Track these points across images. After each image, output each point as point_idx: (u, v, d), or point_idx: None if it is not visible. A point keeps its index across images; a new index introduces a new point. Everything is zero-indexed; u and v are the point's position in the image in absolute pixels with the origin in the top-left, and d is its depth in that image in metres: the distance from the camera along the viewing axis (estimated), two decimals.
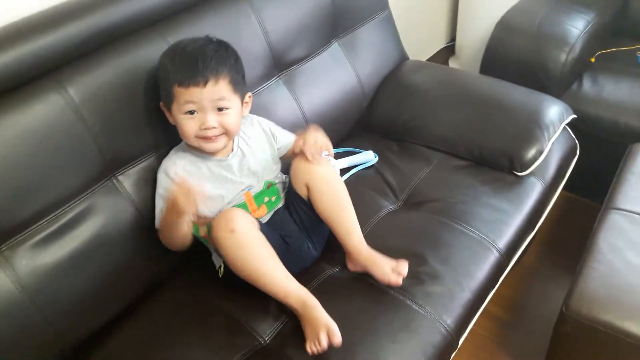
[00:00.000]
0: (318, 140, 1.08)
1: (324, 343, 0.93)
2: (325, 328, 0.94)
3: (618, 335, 1.04)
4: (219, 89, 1.01)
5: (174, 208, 0.96)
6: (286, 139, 1.19)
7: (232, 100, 1.04)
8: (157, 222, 1.07)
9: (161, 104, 1.07)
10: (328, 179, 1.10)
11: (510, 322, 1.51)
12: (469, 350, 1.39)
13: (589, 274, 1.12)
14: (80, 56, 1.04)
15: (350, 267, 1.11)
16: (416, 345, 1.02)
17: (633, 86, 1.62)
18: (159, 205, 1.07)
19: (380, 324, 1.03)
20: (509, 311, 1.53)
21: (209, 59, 1.00)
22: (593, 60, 1.76)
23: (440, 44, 2.55)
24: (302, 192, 1.11)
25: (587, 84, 1.66)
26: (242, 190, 1.10)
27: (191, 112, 1.02)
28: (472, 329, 1.15)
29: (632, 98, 1.58)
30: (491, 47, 1.72)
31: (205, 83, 1.00)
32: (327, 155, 1.13)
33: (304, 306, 0.98)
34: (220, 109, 1.03)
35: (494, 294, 1.23)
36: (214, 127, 1.03)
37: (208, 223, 1.05)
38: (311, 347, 0.95)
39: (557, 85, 1.60)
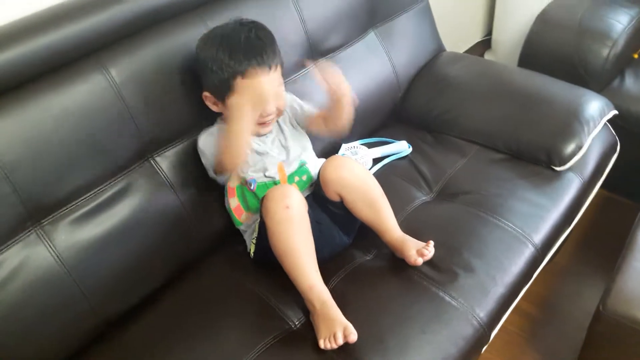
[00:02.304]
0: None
1: (340, 340, 0.92)
2: (341, 326, 0.94)
3: None
4: (277, 76, 1.05)
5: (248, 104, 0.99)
6: (309, 107, 1.20)
7: (282, 83, 1.06)
8: (214, 163, 1.09)
9: (205, 93, 1.08)
10: (360, 184, 1.08)
11: (542, 320, 1.48)
12: (498, 345, 1.37)
13: (628, 272, 1.09)
14: (122, 38, 1.05)
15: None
16: (447, 336, 1.00)
17: None
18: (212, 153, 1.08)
19: (411, 314, 1.02)
20: (541, 308, 1.50)
21: (267, 49, 1.02)
22: (636, 56, 1.71)
23: (476, 37, 2.51)
24: (334, 198, 1.10)
25: (629, 80, 1.62)
26: (275, 163, 1.12)
27: None
28: (502, 325, 1.14)
29: None
30: (530, 40, 1.69)
31: (271, 69, 1.02)
32: (357, 147, 1.12)
33: (323, 304, 0.97)
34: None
35: (527, 291, 1.21)
36: (273, 112, 1.06)
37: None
38: (325, 344, 0.94)
39: (598, 80, 1.56)
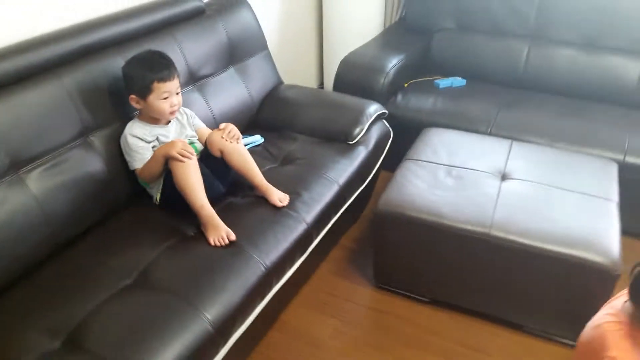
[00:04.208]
0: (233, 130, 1.77)
1: (226, 240, 1.58)
2: (225, 230, 1.59)
3: (408, 218, 1.79)
4: (177, 81, 1.69)
5: (177, 153, 1.59)
6: (198, 121, 1.88)
7: (179, 88, 1.72)
8: (138, 165, 1.67)
9: (132, 96, 1.68)
10: (238, 147, 1.77)
11: (356, 249, 2.22)
12: (328, 273, 2.08)
13: (390, 190, 1.88)
14: (74, 60, 1.67)
15: (257, 193, 1.78)
16: (289, 228, 1.69)
17: (428, 99, 2.51)
18: (142, 154, 1.67)
19: (267, 225, 1.69)
20: (355, 242, 2.25)
21: (171, 64, 1.68)
22: (406, 85, 2.65)
23: (313, 86, 3.40)
24: (217, 154, 1.77)
25: (400, 98, 2.54)
26: None
27: (165, 98, 1.66)
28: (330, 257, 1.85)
29: (427, 106, 2.47)
30: (338, 75, 2.55)
31: (173, 79, 1.67)
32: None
33: (212, 217, 1.61)
34: (177, 93, 1.70)
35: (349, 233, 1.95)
36: (177, 104, 1.70)
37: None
38: (215, 242, 1.58)
39: (380, 98, 2.44)
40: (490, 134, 2.25)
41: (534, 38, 2.60)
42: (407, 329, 1.84)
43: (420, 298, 1.93)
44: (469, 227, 1.71)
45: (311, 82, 3.39)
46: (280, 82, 2.45)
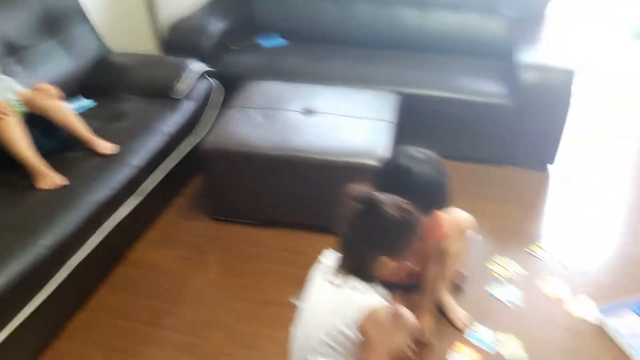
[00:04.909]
0: (47, 89, 1.93)
1: (57, 183, 1.78)
2: (53, 177, 1.80)
3: (227, 152, 2.11)
4: None
5: None
6: (19, 87, 2.01)
7: None
8: None
9: None
10: (58, 105, 1.95)
11: (199, 194, 2.50)
12: (172, 216, 2.34)
13: (212, 131, 2.18)
14: None
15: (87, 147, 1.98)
16: (116, 176, 1.93)
17: (253, 57, 2.85)
18: None
19: (97, 171, 1.91)
20: (199, 190, 2.53)
21: None
22: (233, 47, 2.94)
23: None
24: (41, 113, 1.93)
25: (228, 58, 2.83)
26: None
27: None
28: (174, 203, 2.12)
29: (252, 63, 2.80)
30: (168, 40, 2.78)
31: None
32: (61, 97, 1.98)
33: (38, 166, 1.80)
34: None
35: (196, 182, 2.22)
36: None
37: None
38: (44, 186, 1.78)
39: (208, 59, 2.70)
40: (301, 82, 2.63)
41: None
42: (240, 246, 2.17)
43: (250, 222, 2.27)
44: (275, 152, 2.07)
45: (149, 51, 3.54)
46: (108, 51, 2.62)
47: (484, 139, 2.64)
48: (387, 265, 1.29)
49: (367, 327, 1.27)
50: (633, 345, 1.70)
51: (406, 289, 1.79)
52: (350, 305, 1.27)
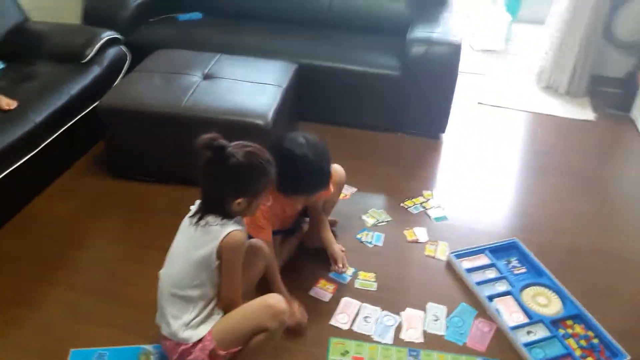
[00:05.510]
0: None
1: None
2: None
3: (122, 110, 2.26)
4: None
5: None
6: None
7: None
8: None
9: None
10: None
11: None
12: (75, 174, 2.48)
13: (111, 92, 2.32)
14: None
15: None
16: (15, 131, 2.07)
17: (168, 30, 3.00)
18: None
19: None
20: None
21: None
22: (152, 20, 3.09)
23: None
24: None
25: (144, 29, 2.98)
26: None
27: None
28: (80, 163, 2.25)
29: (166, 35, 2.95)
30: (86, 11, 2.92)
31: None
32: None
33: None
34: None
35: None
36: None
37: None
38: None
39: (124, 29, 2.84)
40: (208, 51, 2.78)
41: None
42: (133, 200, 2.33)
43: (146, 179, 2.42)
44: (167, 110, 2.24)
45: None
46: (25, 19, 2.73)
47: (379, 109, 2.85)
48: (240, 204, 1.43)
49: (223, 250, 1.42)
50: (472, 279, 1.93)
51: (285, 233, 1.99)
52: (206, 235, 1.43)
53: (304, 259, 2.03)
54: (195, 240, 1.45)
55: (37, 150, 2.17)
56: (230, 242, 1.42)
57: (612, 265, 2.09)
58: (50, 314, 1.78)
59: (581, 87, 3.28)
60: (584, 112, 3.18)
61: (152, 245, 2.04)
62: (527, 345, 1.67)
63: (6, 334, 1.71)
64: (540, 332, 1.73)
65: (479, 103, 3.26)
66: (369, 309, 1.82)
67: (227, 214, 1.46)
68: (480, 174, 2.63)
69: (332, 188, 1.85)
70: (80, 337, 1.69)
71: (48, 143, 2.24)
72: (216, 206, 1.45)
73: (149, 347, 1.63)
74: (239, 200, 1.43)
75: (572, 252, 2.14)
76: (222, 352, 1.45)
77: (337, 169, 1.98)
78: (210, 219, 1.44)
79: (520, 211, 2.41)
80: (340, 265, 1.93)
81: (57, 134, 2.28)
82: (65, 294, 1.87)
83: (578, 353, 1.66)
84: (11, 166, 2.05)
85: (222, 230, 1.43)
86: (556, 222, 2.32)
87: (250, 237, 1.66)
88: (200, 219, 1.45)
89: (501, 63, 3.78)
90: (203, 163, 1.42)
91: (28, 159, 2.13)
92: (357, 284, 1.92)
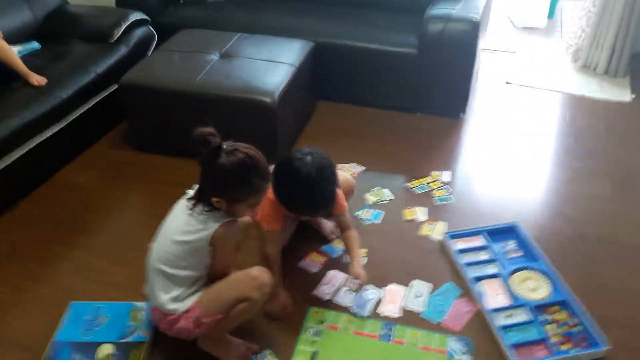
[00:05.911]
0: None
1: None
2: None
3: (142, 87, 2.40)
4: None
5: None
6: None
7: None
8: None
9: None
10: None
11: None
12: (103, 147, 2.66)
13: (133, 69, 2.47)
14: None
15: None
16: (42, 105, 2.26)
17: (196, 11, 3.12)
18: None
19: (25, 98, 2.24)
20: None
21: None
22: (181, 1, 3.22)
23: None
24: None
25: (172, 9, 3.11)
26: None
27: None
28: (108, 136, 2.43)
29: (194, 16, 3.07)
30: None
31: None
32: None
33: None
34: None
35: None
36: None
37: None
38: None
39: (153, 10, 2.99)
40: (231, 31, 2.86)
41: None
42: (149, 172, 2.47)
43: (167, 152, 2.56)
44: (181, 88, 2.35)
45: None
46: (65, 2, 2.93)
47: (397, 88, 2.83)
48: (219, 203, 1.45)
49: (215, 240, 1.47)
50: (462, 260, 1.92)
51: None
52: (200, 224, 1.47)
53: (299, 231, 2.09)
54: (189, 225, 1.48)
55: (64, 124, 2.37)
56: (221, 232, 1.46)
57: (614, 255, 1.99)
58: (63, 272, 1.97)
59: (621, 66, 3.09)
60: (622, 93, 2.99)
61: (162, 214, 2.18)
62: (504, 328, 1.66)
63: (23, 287, 1.90)
64: (521, 317, 1.70)
65: (507, 82, 3.15)
66: (353, 282, 1.85)
67: (214, 208, 1.48)
68: (496, 156, 2.57)
69: (345, 205, 1.83)
70: (86, 293, 1.85)
71: (75, 118, 2.43)
72: (205, 197, 1.48)
73: (140, 304, 1.76)
74: (216, 199, 1.45)
75: (574, 239, 2.06)
76: (206, 320, 1.51)
77: (347, 178, 1.99)
78: (204, 207, 1.48)
79: (531, 195, 2.34)
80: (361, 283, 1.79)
81: (83, 110, 2.47)
82: (80, 256, 2.04)
83: (556, 339, 1.62)
84: (40, 138, 2.25)
85: (215, 220, 1.46)
86: (567, 207, 2.23)
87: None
88: (195, 205, 1.49)
89: (539, 41, 3.61)
90: (201, 156, 1.46)
91: (56, 132, 2.33)
92: (347, 258, 1.96)
